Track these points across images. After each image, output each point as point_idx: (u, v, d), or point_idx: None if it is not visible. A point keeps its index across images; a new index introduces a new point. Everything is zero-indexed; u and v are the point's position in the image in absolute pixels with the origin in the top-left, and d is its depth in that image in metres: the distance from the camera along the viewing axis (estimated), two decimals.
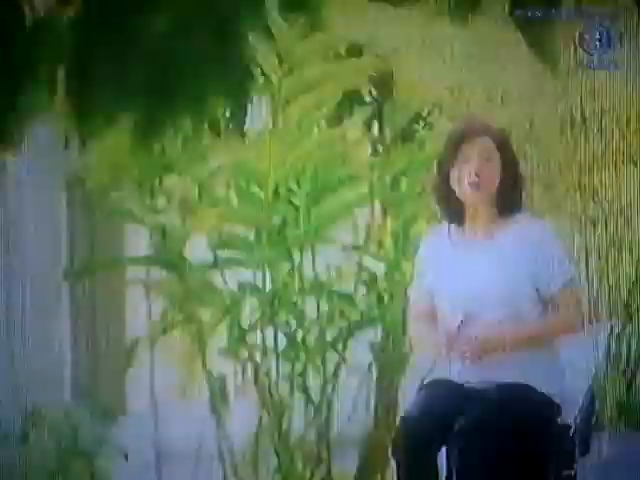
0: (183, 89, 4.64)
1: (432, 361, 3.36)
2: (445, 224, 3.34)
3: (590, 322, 3.53)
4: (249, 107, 4.71)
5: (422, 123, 4.76)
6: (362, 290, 4.78)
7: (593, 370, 3.45)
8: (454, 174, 3.28)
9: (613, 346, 4.45)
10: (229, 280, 4.77)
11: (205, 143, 4.73)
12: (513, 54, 4.63)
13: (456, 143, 3.27)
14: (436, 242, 3.36)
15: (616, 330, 4.47)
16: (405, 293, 4.69)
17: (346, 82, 4.71)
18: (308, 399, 4.76)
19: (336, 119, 4.74)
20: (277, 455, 4.77)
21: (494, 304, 3.25)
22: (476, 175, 3.25)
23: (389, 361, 4.77)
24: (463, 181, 3.26)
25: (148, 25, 4.62)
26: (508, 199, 3.29)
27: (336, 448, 4.78)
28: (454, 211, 3.31)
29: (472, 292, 3.27)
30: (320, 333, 4.76)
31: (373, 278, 4.77)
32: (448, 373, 3.30)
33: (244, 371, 4.77)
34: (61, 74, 4.66)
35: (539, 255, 3.26)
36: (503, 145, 3.30)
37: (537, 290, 3.27)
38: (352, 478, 4.84)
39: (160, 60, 4.63)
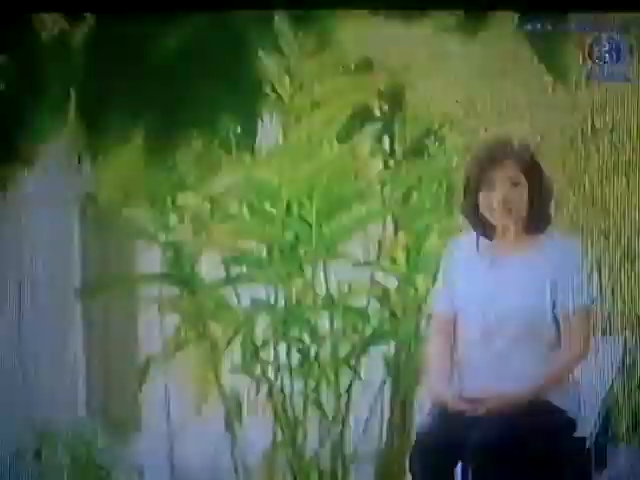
0: (194, 106, 4.66)
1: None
2: (472, 234, 3.35)
3: (603, 336, 3.54)
4: (260, 124, 4.73)
5: (433, 137, 4.77)
6: (375, 305, 4.78)
7: (608, 384, 3.46)
8: (482, 200, 3.28)
9: (627, 359, 4.45)
10: (242, 297, 4.78)
11: (217, 160, 4.74)
12: (523, 67, 4.64)
13: (481, 170, 3.27)
14: (463, 252, 3.36)
15: (630, 343, 4.47)
16: (418, 307, 4.71)
17: (356, 97, 4.72)
18: (322, 415, 4.76)
19: (347, 134, 4.75)
20: (292, 471, 4.77)
21: (515, 321, 3.26)
22: (504, 202, 3.25)
23: (403, 376, 4.76)
24: (492, 207, 3.27)
25: (159, 43, 4.64)
26: (537, 218, 3.30)
27: (351, 464, 4.78)
28: (484, 229, 3.32)
29: (494, 307, 3.28)
30: (333, 349, 4.76)
31: (386, 293, 4.77)
32: (463, 383, 3.31)
33: (258, 387, 4.78)
34: (73, 92, 4.68)
35: (561, 276, 3.26)
36: (529, 165, 3.29)
37: (554, 309, 3.27)
38: None
39: (171, 77, 4.65)
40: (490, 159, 3.27)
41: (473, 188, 3.28)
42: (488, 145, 3.34)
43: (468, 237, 3.36)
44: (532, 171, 3.29)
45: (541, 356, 3.25)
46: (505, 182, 3.25)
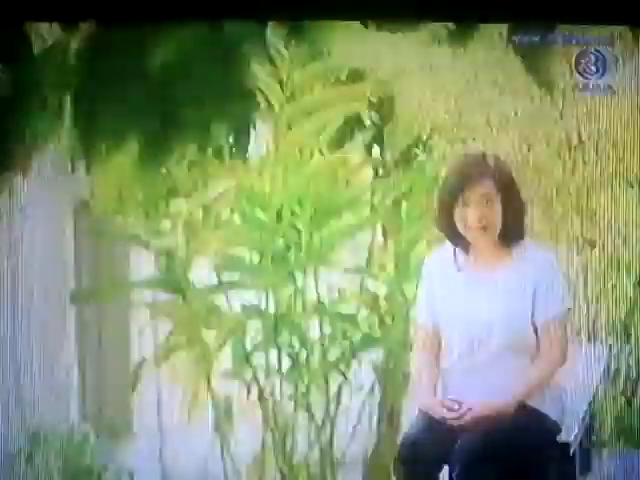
0: (187, 115, 4.70)
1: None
2: (450, 247, 3.38)
3: (588, 342, 3.58)
4: (252, 132, 4.77)
5: (422, 147, 4.81)
6: (364, 311, 4.82)
7: (592, 389, 3.49)
8: (457, 216, 3.31)
9: (612, 365, 4.50)
10: (233, 302, 4.82)
11: (209, 168, 4.78)
12: (511, 79, 4.69)
13: (456, 189, 3.30)
14: (441, 266, 3.40)
15: (615, 349, 4.52)
16: (407, 314, 4.75)
17: (347, 107, 4.77)
18: (311, 419, 4.80)
19: (337, 143, 4.79)
20: (281, 474, 4.81)
21: (496, 332, 3.30)
22: (478, 219, 3.28)
23: (391, 382, 4.81)
24: (466, 225, 3.30)
25: (153, 52, 4.69)
26: (511, 231, 3.33)
27: (339, 467, 4.82)
28: (459, 243, 3.35)
29: (474, 320, 3.31)
30: (323, 354, 4.80)
31: (375, 299, 4.81)
32: (448, 393, 3.35)
33: (248, 392, 4.81)
34: (68, 101, 4.72)
35: (538, 285, 3.30)
36: (504, 183, 3.32)
37: (532, 318, 3.31)
38: None
39: (165, 87, 4.69)
40: (465, 176, 3.29)
41: (448, 204, 3.30)
42: (463, 162, 3.35)
43: (445, 251, 3.39)
44: (506, 187, 3.31)
45: (523, 365, 3.29)
46: (479, 199, 3.27)
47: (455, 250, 3.38)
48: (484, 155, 3.36)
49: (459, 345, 3.32)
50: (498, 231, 3.32)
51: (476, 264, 3.35)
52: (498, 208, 3.30)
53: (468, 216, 3.29)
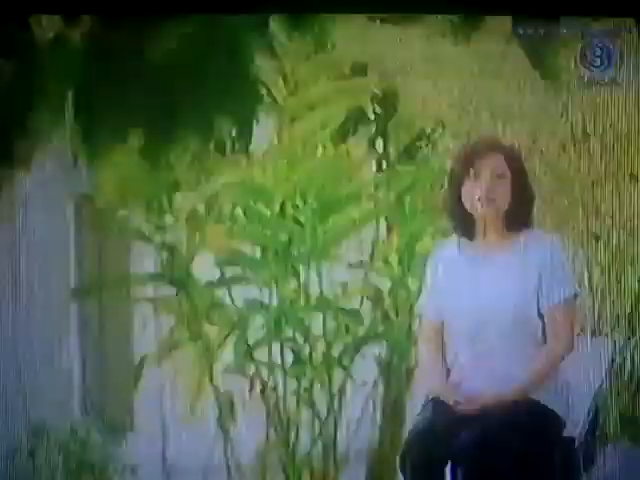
0: (190, 108, 4.70)
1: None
2: (455, 237, 3.38)
3: (593, 336, 3.56)
4: (255, 126, 4.77)
5: (426, 140, 4.81)
6: (368, 306, 4.82)
7: (597, 384, 3.49)
8: (465, 189, 3.31)
9: (617, 359, 4.49)
10: (236, 297, 4.81)
11: (212, 161, 4.78)
12: (515, 71, 4.68)
13: (468, 159, 3.31)
14: (446, 256, 3.40)
15: (619, 344, 4.51)
16: (410, 309, 4.75)
17: (350, 100, 4.76)
18: (315, 414, 4.79)
19: (341, 137, 4.79)
20: (284, 470, 4.81)
21: (501, 320, 3.29)
22: (488, 191, 3.29)
23: (395, 376, 4.80)
24: (474, 197, 3.30)
25: (155, 46, 4.68)
26: (518, 215, 3.33)
27: (343, 463, 4.82)
28: (464, 225, 3.35)
29: (480, 307, 3.31)
30: (326, 349, 4.80)
31: (378, 294, 4.81)
32: (454, 382, 3.34)
33: (251, 387, 4.81)
34: (70, 94, 4.72)
35: (543, 269, 3.30)
36: (515, 162, 3.33)
37: (539, 305, 3.31)
38: None
39: (167, 80, 4.69)
40: (476, 151, 3.31)
41: (457, 180, 3.31)
42: (476, 139, 3.39)
43: (450, 243, 3.39)
44: (516, 167, 3.33)
45: (528, 354, 3.29)
46: (490, 173, 3.29)
47: (460, 240, 3.38)
48: (495, 136, 3.39)
49: (465, 333, 3.32)
50: (505, 209, 3.31)
51: (481, 249, 3.35)
52: (507, 186, 3.31)
53: (477, 188, 3.29)
